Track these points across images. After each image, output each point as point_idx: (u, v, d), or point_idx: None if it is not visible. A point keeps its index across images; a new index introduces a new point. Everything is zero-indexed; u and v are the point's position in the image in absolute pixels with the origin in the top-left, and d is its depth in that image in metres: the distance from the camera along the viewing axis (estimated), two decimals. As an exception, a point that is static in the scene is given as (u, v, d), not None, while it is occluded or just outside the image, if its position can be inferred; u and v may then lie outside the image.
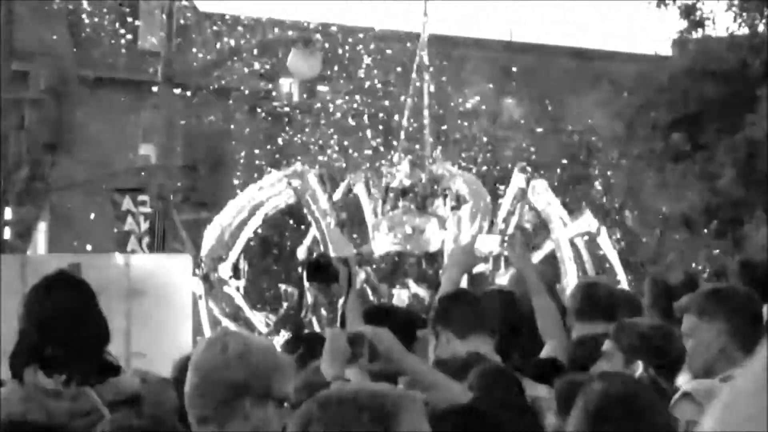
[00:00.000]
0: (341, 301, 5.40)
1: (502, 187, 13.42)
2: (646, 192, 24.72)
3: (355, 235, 12.54)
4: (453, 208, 11.39)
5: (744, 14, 22.03)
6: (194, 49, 26.69)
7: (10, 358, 4.23)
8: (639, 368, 4.44)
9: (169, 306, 8.67)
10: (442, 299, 5.54)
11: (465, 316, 5.21)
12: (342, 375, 3.86)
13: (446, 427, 3.39)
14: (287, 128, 26.70)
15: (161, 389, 4.51)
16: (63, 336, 4.18)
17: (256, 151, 25.98)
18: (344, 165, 21.71)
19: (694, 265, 20.86)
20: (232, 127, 26.92)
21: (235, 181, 22.89)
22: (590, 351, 5.05)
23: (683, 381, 4.53)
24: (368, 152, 24.08)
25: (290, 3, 30.67)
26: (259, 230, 13.36)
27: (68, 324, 4.22)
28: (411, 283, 11.11)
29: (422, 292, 10.98)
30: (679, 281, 6.74)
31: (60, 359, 4.14)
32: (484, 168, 22.87)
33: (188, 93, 24.32)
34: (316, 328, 9.91)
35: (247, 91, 27.15)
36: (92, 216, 22.64)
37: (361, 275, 10.60)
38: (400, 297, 11.01)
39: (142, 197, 16.40)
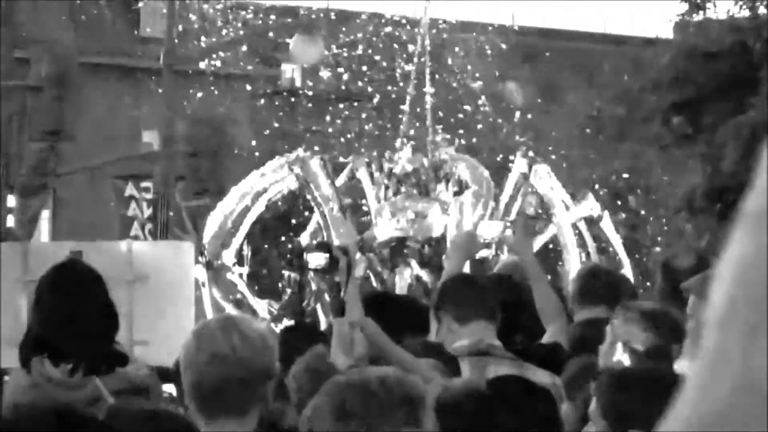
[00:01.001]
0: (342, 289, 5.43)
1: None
2: (650, 174, 24.72)
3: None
4: (455, 194, 11.38)
5: (744, -3, 22.00)
6: (201, 36, 26.68)
7: (19, 346, 4.25)
8: (620, 350, 4.47)
9: (172, 293, 8.66)
10: (444, 284, 5.56)
11: (467, 301, 5.22)
12: (352, 362, 3.90)
13: (463, 411, 3.41)
14: (291, 113, 26.70)
15: (156, 380, 4.52)
16: (71, 325, 4.19)
17: (256, 141, 25.98)
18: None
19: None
20: (235, 113, 26.92)
21: (238, 168, 22.91)
22: (591, 335, 5.07)
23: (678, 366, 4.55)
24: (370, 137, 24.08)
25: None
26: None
27: (76, 313, 4.23)
28: (414, 263, 11.08)
29: (425, 275, 10.97)
30: (690, 265, 6.74)
31: (68, 348, 4.15)
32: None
33: (191, 77, 24.33)
34: (321, 316, 9.94)
35: (249, 77, 27.15)
36: (95, 203, 22.66)
37: (364, 262, 10.60)
38: (403, 277, 10.99)
39: (145, 184, 16.43)
